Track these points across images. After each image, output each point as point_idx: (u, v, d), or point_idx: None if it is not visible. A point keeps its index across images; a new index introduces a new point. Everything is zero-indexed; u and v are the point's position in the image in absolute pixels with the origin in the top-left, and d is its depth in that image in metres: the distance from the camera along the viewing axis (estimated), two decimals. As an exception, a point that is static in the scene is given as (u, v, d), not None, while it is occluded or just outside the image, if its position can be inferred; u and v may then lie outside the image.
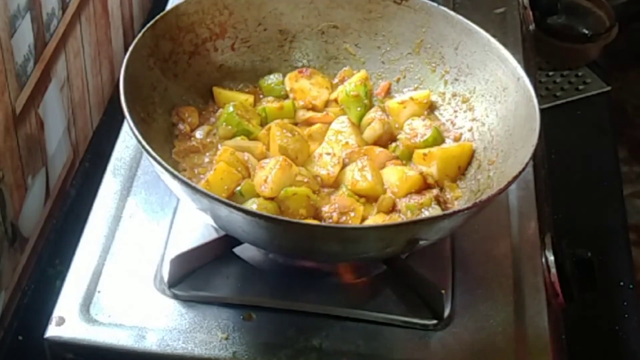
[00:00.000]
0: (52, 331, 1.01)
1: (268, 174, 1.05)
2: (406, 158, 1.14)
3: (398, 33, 1.23)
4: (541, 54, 1.74)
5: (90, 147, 1.47)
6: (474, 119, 1.17)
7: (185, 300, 1.04)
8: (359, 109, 1.17)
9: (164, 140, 1.11)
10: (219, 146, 1.12)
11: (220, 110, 1.17)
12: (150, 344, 1.01)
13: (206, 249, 1.06)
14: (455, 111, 1.20)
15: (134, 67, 1.08)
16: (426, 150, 1.12)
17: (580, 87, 1.81)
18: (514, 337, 1.03)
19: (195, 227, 1.10)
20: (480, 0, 1.53)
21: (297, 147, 1.10)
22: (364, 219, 1.05)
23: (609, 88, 1.81)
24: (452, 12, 1.20)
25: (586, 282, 1.11)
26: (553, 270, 1.11)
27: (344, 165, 1.11)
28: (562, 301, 1.10)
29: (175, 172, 0.94)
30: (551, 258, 1.12)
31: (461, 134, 1.17)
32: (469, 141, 1.15)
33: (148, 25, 1.12)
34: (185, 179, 0.94)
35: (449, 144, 1.16)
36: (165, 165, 0.94)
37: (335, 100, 1.21)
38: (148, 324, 1.02)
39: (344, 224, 1.03)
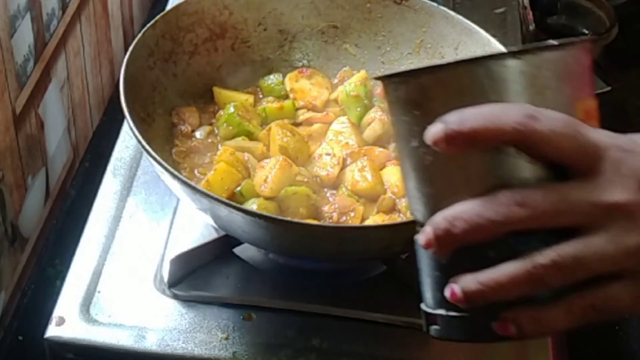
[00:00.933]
0: (52, 331, 1.01)
1: (268, 174, 1.05)
2: None
3: (398, 33, 1.23)
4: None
5: (90, 147, 1.47)
6: (474, 119, 1.17)
7: (185, 300, 1.04)
8: (359, 109, 1.17)
9: (164, 140, 1.11)
10: (219, 146, 1.12)
11: (221, 110, 1.17)
12: (150, 344, 1.01)
13: (206, 249, 1.06)
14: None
15: (134, 67, 1.07)
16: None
17: (580, 87, 1.81)
18: (514, 337, 1.03)
19: (195, 227, 1.10)
20: (480, 0, 1.53)
21: (297, 147, 1.10)
22: (364, 219, 1.05)
23: (609, 88, 1.80)
24: (452, 12, 1.20)
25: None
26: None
27: (344, 166, 1.11)
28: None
29: (175, 172, 0.94)
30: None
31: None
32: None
33: (148, 25, 1.12)
34: (185, 179, 0.94)
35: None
36: (165, 165, 0.94)
37: (335, 101, 1.21)
38: (148, 324, 1.02)
39: (344, 224, 1.03)
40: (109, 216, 1.13)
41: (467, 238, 0.61)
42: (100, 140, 1.47)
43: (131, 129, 0.98)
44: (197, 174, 1.09)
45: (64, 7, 1.29)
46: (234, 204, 0.92)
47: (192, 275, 1.06)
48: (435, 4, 1.21)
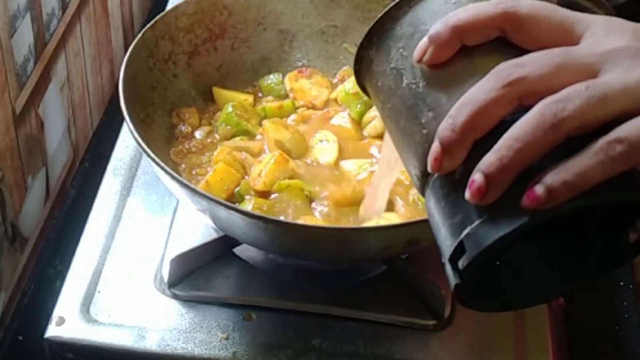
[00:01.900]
0: (52, 331, 1.01)
1: (263, 168, 1.05)
2: None
3: (398, 33, 1.23)
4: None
5: (90, 147, 1.47)
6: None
7: (185, 300, 1.04)
8: (359, 106, 1.17)
9: (163, 141, 1.11)
10: (219, 146, 1.12)
11: (220, 111, 1.17)
12: (150, 344, 1.01)
13: (206, 249, 1.06)
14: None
15: (133, 67, 1.07)
16: None
17: (581, 86, 1.80)
18: (514, 337, 1.03)
19: (195, 227, 1.10)
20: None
21: (293, 140, 1.11)
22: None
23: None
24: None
25: (586, 282, 1.11)
26: (553, 270, 1.11)
27: (342, 152, 1.11)
28: (562, 301, 1.10)
29: (175, 174, 0.94)
30: (551, 258, 1.12)
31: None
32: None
33: (148, 25, 1.12)
34: (184, 181, 0.94)
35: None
36: (165, 167, 0.94)
37: (335, 100, 1.21)
38: (148, 324, 1.02)
39: (343, 225, 1.03)
40: (109, 216, 1.13)
41: (478, 122, 0.58)
42: (100, 140, 1.47)
43: (130, 131, 0.98)
44: (195, 175, 1.09)
45: (64, 7, 1.29)
46: (233, 205, 0.92)
47: (192, 275, 1.06)
48: (435, 4, 1.21)
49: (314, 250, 0.98)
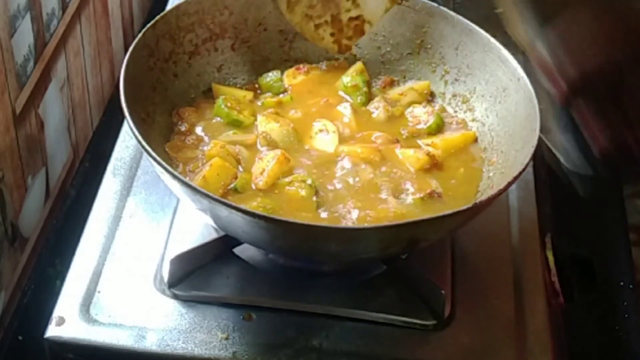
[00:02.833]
0: (52, 331, 1.01)
1: (265, 167, 1.05)
2: (409, 147, 1.14)
3: (398, 33, 1.23)
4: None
5: (90, 147, 1.47)
6: (474, 120, 1.17)
7: (185, 300, 1.04)
8: (360, 98, 1.18)
9: (164, 140, 1.11)
10: (211, 141, 1.12)
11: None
12: (150, 344, 1.01)
13: (206, 249, 1.06)
14: (456, 111, 1.20)
15: (134, 67, 1.07)
16: (429, 141, 1.14)
17: (581, 87, 1.80)
18: (514, 337, 1.03)
19: (195, 227, 1.10)
20: (480, 0, 1.52)
21: (281, 133, 1.11)
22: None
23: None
24: (452, 13, 1.20)
25: (586, 282, 1.11)
26: (553, 270, 1.11)
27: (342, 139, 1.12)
28: (562, 301, 1.10)
29: (176, 173, 0.94)
30: (551, 258, 1.12)
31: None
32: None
33: (148, 25, 1.12)
34: (185, 179, 0.94)
35: (451, 133, 1.16)
36: (166, 165, 0.94)
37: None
38: (148, 324, 1.02)
39: (343, 225, 1.03)
40: (109, 216, 1.13)
41: None
42: (100, 140, 1.47)
43: (131, 129, 0.98)
44: (189, 169, 1.08)
45: (64, 7, 1.29)
46: (234, 204, 0.92)
47: (192, 275, 1.06)
48: (435, 4, 1.21)
49: (315, 249, 0.98)
